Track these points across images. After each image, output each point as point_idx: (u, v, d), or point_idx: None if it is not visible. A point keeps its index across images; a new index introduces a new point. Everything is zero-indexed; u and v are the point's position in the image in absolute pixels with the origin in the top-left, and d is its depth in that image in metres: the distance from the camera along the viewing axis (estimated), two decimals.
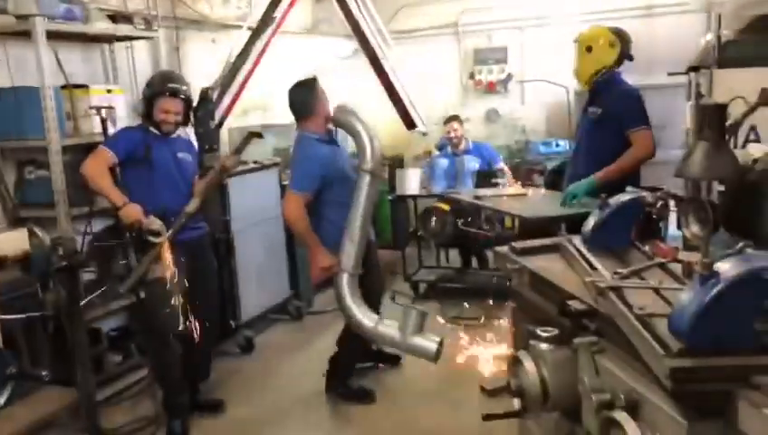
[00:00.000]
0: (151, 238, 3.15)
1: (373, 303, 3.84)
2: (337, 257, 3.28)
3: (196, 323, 3.36)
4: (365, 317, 3.35)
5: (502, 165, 5.68)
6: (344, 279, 3.38)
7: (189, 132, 4.06)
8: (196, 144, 4.29)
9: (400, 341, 3.26)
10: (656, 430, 1.43)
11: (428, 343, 3.17)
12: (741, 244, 1.43)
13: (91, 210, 3.66)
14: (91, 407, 3.33)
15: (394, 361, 4.18)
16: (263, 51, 4.62)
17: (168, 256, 3.18)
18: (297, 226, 3.52)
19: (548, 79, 6.56)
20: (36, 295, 3.29)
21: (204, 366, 3.79)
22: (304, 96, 3.63)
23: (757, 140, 2.85)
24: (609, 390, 1.58)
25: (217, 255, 4.09)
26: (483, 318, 4.77)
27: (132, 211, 3.16)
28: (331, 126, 3.60)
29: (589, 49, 3.62)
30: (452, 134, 5.78)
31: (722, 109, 1.78)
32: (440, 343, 2.99)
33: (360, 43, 5.47)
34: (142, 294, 3.34)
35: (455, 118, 5.88)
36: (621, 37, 3.66)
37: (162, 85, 3.43)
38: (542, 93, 6.80)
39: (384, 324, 3.29)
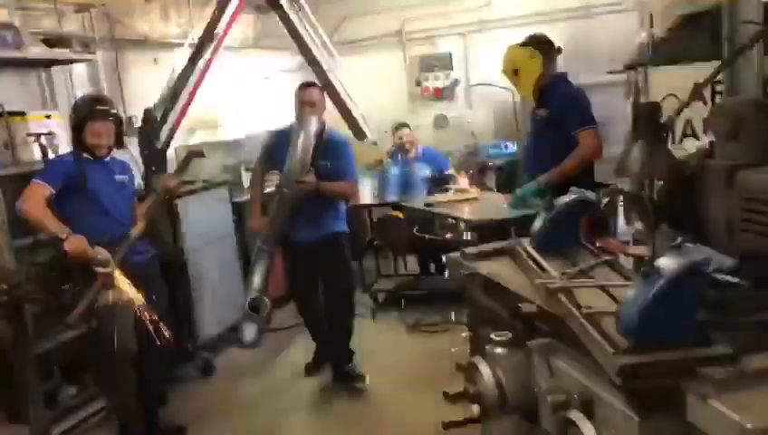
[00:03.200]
0: (99, 269, 3.04)
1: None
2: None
3: (149, 350, 3.29)
4: (256, 275, 3.85)
5: (451, 171, 5.69)
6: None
7: (127, 154, 3.97)
8: (141, 166, 4.22)
9: (244, 306, 3.80)
10: (610, 427, 1.46)
11: (250, 331, 3.77)
12: (679, 238, 1.46)
13: (34, 241, 3.54)
14: None
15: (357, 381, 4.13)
16: (206, 68, 4.55)
17: (122, 280, 3.11)
18: None
19: (493, 83, 6.64)
20: None
21: (160, 393, 3.70)
22: None
23: (693, 135, 2.94)
24: (563, 390, 1.60)
25: (170, 277, 4.01)
26: (442, 324, 4.80)
27: (77, 243, 3.04)
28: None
29: (515, 72, 3.73)
30: (403, 140, 5.80)
31: (656, 107, 1.82)
32: (252, 343, 3.71)
33: (305, 56, 5.45)
34: (93, 324, 3.25)
35: (404, 125, 5.90)
36: (536, 42, 3.74)
37: (90, 108, 3.31)
38: (489, 97, 6.88)
39: (252, 289, 3.79)
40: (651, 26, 3.17)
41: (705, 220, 1.69)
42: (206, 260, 4.61)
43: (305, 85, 4.04)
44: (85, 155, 3.32)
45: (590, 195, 2.19)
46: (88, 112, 3.29)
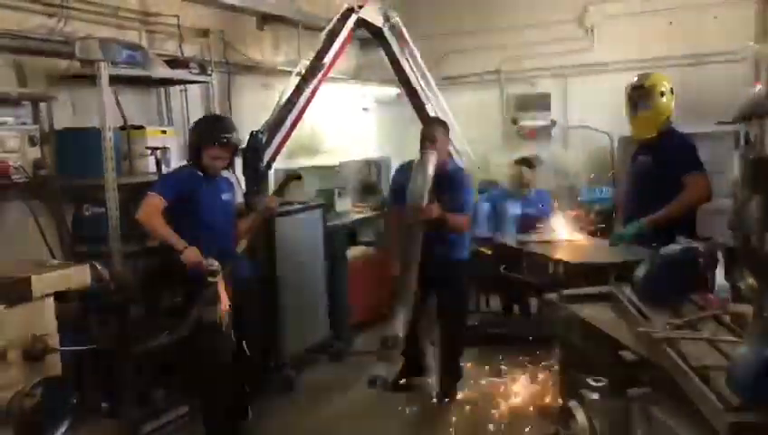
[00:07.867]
0: (210, 278, 3.22)
1: None
2: None
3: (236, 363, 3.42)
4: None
5: (557, 214, 5.43)
6: None
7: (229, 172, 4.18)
8: (243, 184, 4.41)
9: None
10: None
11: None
12: None
13: (142, 247, 3.76)
14: None
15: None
16: (311, 96, 4.72)
17: (224, 294, 3.26)
18: None
19: (591, 126, 6.57)
20: (81, 329, 3.34)
21: (243, 407, 3.80)
22: None
23: None
24: None
25: (262, 293, 4.15)
26: (525, 365, 4.71)
27: (193, 255, 3.23)
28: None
29: (662, 94, 3.65)
30: (526, 178, 5.56)
31: None
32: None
33: (405, 89, 5.58)
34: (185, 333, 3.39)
35: (525, 162, 5.68)
36: None
37: (214, 134, 3.50)
38: (585, 139, 6.80)
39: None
40: None
41: None
42: (296, 279, 4.73)
43: (428, 121, 4.20)
44: (198, 172, 3.51)
45: (699, 246, 2.13)
46: (210, 138, 3.48)
